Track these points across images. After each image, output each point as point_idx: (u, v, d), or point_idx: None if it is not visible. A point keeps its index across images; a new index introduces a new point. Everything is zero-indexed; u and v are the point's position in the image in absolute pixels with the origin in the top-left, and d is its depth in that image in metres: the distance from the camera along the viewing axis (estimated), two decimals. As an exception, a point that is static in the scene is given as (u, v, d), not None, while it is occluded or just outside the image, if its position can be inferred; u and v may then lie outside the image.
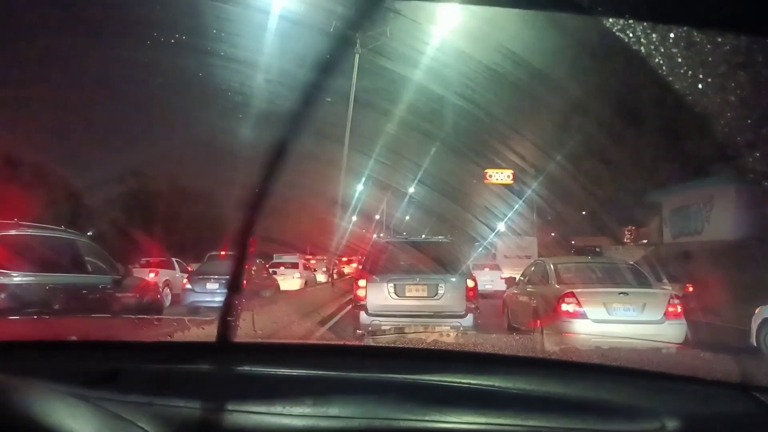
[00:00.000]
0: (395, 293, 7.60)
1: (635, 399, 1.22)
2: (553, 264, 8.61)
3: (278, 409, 1.21)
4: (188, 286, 12.87)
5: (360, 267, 9.60)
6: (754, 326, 8.20)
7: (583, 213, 30.57)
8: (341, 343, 1.82)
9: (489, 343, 1.77)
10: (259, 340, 1.72)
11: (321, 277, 23.24)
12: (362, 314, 7.56)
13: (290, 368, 1.33)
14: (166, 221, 27.41)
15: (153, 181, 34.47)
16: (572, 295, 7.22)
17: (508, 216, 28.56)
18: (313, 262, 23.84)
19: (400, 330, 6.72)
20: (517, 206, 29.01)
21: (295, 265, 20.93)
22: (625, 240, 29.76)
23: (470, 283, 7.88)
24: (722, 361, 1.63)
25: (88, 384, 1.24)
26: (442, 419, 1.19)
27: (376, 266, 7.97)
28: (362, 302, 7.67)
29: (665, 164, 21.94)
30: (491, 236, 25.61)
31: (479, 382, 1.27)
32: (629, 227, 30.17)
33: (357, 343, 1.75)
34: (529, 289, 8.97)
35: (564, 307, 7.18)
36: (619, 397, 1.23)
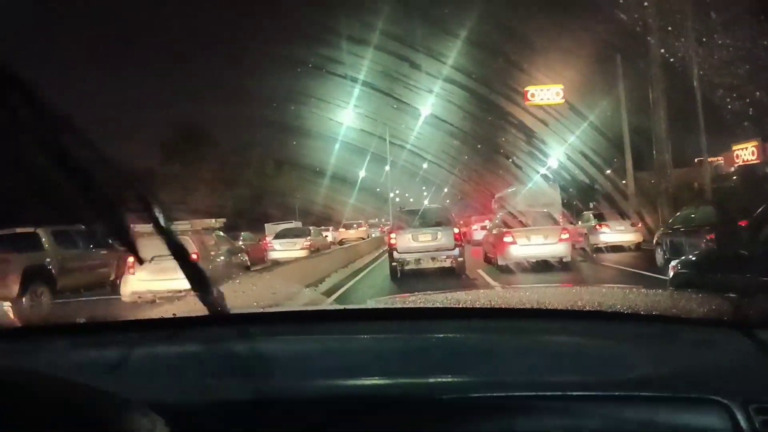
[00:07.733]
0: (413, 239, 13.65)
1: (631, 344, 1.22)
2: (503, 217, 14.88)
3: (284, 380, 1.16)
4: None
5: (389, 227, 15.75)
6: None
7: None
8: (344, 307, 1.76)
9: (497, 296, 1.78)
10: (259, 310, 1.69)
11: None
12: (395, 252, 13.67)
13: (293, 336, 1.34)
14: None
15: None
16: (509, 233, 13.38)
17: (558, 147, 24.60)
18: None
19: (417, 261, 13.00)
20: (573, 138, 23.61)
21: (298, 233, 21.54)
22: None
23: (456, 230, 13.90)
24: (715, 301, 1.62)
25: (95, 367, 1.22)
26: (455, 378, 1.14)
27: (401, 224, 14.04)
28: (394, 246, 13.75)
29: None
30: (509, 189, 24.20)
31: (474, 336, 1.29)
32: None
33: (360, 306, 1.64)
34: (493, 232, 15.16)
35: (505, 239, 13.34)
36: (614, 343, 1.22)
